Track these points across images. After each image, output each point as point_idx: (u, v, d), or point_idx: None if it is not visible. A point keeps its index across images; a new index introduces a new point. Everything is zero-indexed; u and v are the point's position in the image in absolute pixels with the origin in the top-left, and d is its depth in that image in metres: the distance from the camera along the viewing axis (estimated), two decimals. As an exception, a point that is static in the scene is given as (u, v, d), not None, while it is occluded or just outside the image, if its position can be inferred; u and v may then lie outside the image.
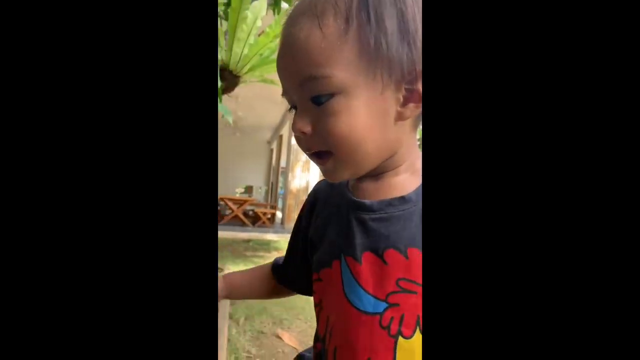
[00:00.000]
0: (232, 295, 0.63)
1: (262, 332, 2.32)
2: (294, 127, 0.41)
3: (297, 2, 0.42)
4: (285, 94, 0.43)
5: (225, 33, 2.24)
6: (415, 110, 0.40)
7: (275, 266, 0.61)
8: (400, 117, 0.40)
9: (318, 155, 0.41)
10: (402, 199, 0.41)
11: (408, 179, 0.43)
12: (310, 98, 0.39)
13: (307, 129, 0.40)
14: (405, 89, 0.39)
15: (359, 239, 0.42)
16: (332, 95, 0.38)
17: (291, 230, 0.58)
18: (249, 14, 2.09)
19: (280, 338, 2.26)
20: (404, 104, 0.39)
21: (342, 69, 0.37)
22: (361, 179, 0.44)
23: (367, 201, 0.43)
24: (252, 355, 2.02)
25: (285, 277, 0.60)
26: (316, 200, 0.53)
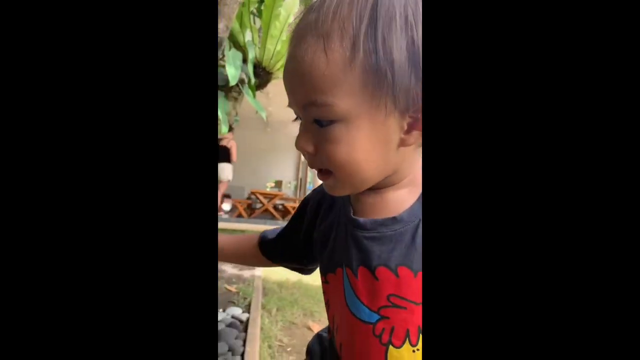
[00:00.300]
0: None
1: (294, 323, 2.37)
2: (297, 144, 0.41)
3: (304, 12, 0.41)
4: (290, 106, 0.43)
5: (259, 30, 2.29)
6: (419, 137, 0.39)
7: (264, 241, 0.65)
8: (403, 143, 0.40)
9: (320, 171, 0.43)
10: (394, 219, 0.42)
11: (407, 194, 0.44)
12: (313, 120, 0.40)
13: (310, 148, 0.41)
14: (410, 117, 0.38)
15: (354, 254, 0.44)
16: (333, 121, 0.38)
17: None
18: (282, 11, 2.13)
19: (310, 329, 2.30)
20: (408, 131, 0.39)
21: (345, 98, 0.37)
22: (362, 192, 0.45)
23: (361, 219, 0.44)
24: (284, 344, 2.07)
25: (275, 256, 0.64)
26: (323, 199, 0.54)
